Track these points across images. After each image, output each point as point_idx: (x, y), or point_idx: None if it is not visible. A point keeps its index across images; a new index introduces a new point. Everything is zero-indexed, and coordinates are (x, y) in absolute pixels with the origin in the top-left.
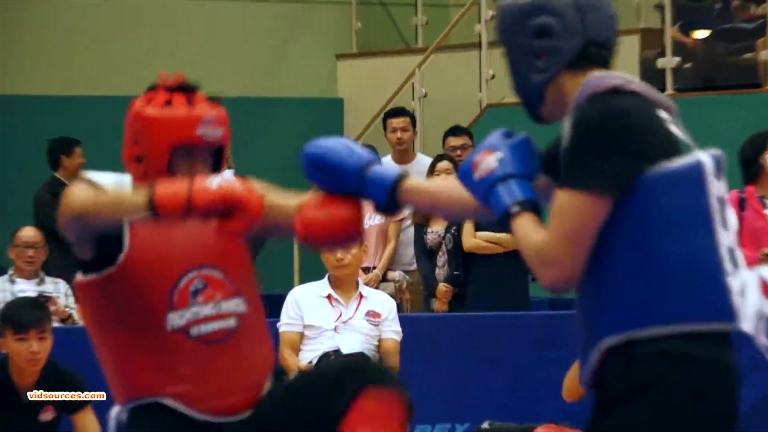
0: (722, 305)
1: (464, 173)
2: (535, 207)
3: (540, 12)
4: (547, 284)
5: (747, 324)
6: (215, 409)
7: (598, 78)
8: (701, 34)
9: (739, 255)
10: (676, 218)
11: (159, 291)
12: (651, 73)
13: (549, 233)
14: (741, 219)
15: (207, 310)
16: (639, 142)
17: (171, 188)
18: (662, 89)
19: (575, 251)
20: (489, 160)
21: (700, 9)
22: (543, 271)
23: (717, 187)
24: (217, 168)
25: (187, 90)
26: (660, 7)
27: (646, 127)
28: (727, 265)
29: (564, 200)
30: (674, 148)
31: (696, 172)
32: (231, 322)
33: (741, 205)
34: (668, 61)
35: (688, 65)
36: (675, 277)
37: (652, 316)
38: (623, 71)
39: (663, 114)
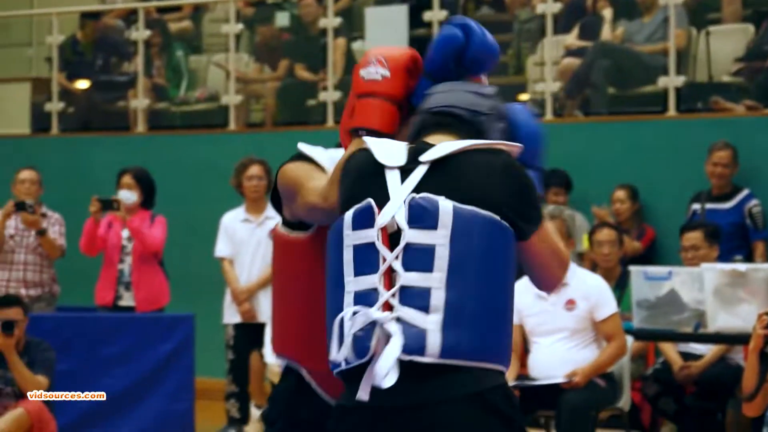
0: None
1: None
2: None
3: None
4: None
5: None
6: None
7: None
8: (83, 83)
9: (383, 294)
10: (329, 274)
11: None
12: (40, 116)
13: None
14: None
15: None
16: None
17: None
18: (48, 130)
19: None
20: None
21: (84, 62)
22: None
23: (358, 236)
24: None
25: None
26: (49, 59)
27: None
28: (350, 311)
29: None
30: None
31: (338, 228)
32: None
33: None
34: (54, 106)
35: (71, 110)
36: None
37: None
38: (16, 114)
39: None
